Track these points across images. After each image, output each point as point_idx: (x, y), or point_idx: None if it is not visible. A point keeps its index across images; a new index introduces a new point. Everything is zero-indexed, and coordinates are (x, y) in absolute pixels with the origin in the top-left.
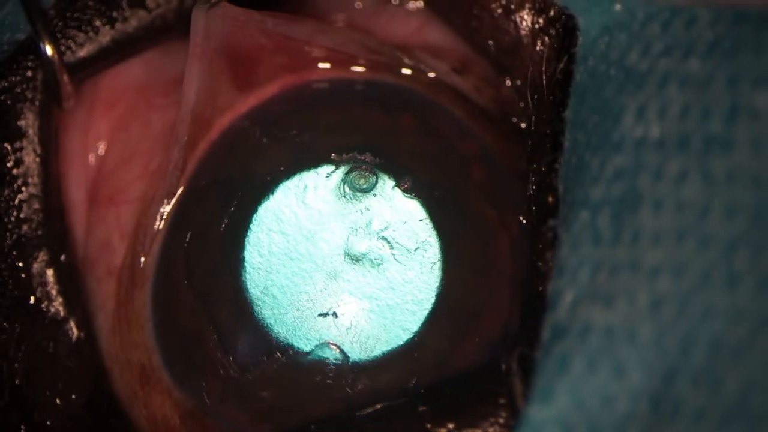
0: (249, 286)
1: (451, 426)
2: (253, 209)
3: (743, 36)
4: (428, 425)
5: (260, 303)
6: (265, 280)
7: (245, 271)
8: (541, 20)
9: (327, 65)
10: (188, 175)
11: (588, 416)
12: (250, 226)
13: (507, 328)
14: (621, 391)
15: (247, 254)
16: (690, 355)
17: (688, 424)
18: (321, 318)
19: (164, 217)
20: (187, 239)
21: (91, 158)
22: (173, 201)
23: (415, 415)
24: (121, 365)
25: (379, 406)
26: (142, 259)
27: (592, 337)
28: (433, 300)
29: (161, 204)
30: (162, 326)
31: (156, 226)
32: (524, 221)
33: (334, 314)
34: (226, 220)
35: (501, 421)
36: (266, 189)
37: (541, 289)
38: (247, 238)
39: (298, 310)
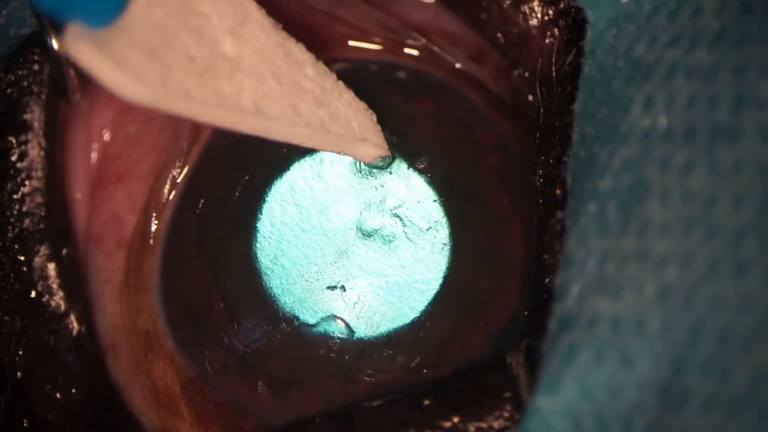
0: (259, 255)
1: (456, 419)
2: (267, 179)
3: (749, 25)
4: (433, 418)
5: (269, 273)
6: (276, 249)
7: (256, 240)
8: (550, 12)
9: (347, 44)
10: (203, 142)
11: (595, 406)
12: (264, 195)
13: (514, 316)
14: (629, 381)
15: (259, 223)
16: (698, 344)
17: (696, 414)
18: (329, 291)
19: (177, 182)
20: (200, 206)
21: (95, 147)
22: (187, 167)
23: (420, 408)
24: (127, 334)
25: (384, 400)
26: (154, 225)
27: (599, 328)
28: (441, 281)
29: (174, 166)
30: (169, 292)
31: (169, 190)
32: (535, 212)
33: (342, 288)
34: (239, 189)
35: (506, 414)
36: (282, 160)
37: (548, 280)
38: (260, 208)
39: (306, 281)
